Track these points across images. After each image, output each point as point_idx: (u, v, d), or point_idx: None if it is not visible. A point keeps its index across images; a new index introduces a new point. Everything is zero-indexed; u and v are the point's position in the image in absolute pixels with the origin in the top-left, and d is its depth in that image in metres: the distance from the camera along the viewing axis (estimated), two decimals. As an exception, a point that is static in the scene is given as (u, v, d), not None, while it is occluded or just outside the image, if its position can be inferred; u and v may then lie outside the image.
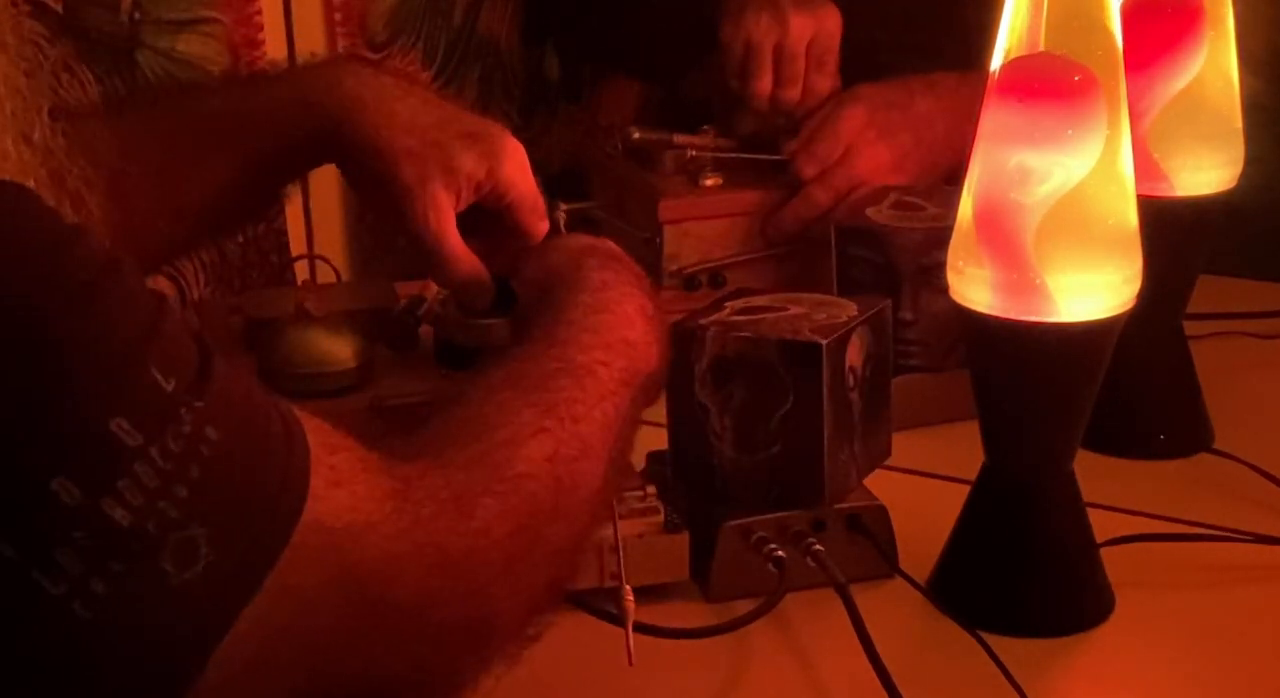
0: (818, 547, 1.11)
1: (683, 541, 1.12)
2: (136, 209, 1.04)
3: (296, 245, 1.49)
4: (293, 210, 1.47)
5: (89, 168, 0.78)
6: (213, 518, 0.68)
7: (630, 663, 1.00)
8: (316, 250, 1.44)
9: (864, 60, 1.55)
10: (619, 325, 0.95)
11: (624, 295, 0.97)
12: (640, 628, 1.03)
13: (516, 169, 1.08)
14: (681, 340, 1.14)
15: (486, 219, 1.09)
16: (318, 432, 0.75)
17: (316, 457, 0.73)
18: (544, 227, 1.10)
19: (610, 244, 1.06)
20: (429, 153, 1.06)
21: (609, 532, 1.10)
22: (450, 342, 1.13)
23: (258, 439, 0.72)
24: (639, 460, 1.20)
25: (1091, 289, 1.05)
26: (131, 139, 1.06)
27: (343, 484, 0.74)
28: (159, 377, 0.67)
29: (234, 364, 0.73)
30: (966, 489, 1.14)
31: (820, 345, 1.11)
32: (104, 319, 0.67)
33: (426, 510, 0.77)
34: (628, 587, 1.03)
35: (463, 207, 1.07)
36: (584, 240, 1.07)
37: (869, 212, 1.41)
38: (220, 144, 1.07)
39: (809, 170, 1.49)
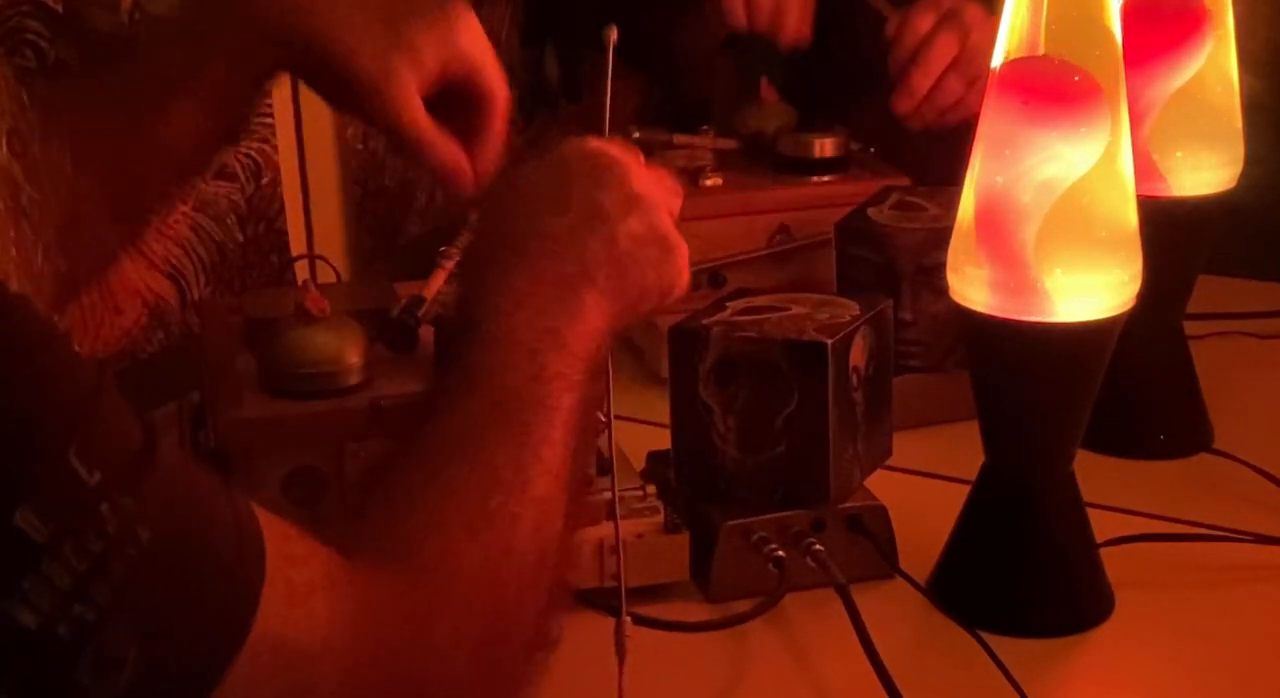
0: (818, 547, 1.11)
1: (683, 541, 1.13)
2: (112, 170, 1.00)
3: (296, 245, 1.49)
4: (293, 210, 1.47)
5: (19, 109, 0.73)
6: (141, 626, 0.62)
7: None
8: (316, 250, 1.44)
9: (879, 68, 1.58)
10: (537, 317, 0.87)
11: (538, 275, 0.89)
12: (639, 621, 1.03)
13: (472, 37, 1.04)
14: (685, 341, 1.14)
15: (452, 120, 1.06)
16: (280, 539, 0.69)
17: (274, 568, 0.67)
18: (505, 92, 1.06)
19: (551, 167, 0.95)
20: (384, 42, 1.02)
21: (597, 533, 1.10)
22: (450, 342, 1.13)
23: (201, 543, 0.65)
24: (639, 461, 1.20)
25: (1091, 289, 1.05)
26: (94, 102, 1.03)
27: (301, 603, 0.68)
28: (79, 467, 0.61)
29: (186, 453, 0.68)
30: (966, 489, 1.14)
31: (826, 345, 1.11)
32: (15, 401, 0.61)
33: (390, 635, 0.72)
34: (628, 618, 0.99)
35: (428, 88, 1.03)
36: (514, 193, 0.96)
37: (869, 212, 1.41)
38: (178, 90, 1.03)
39: (925, 22, 1.50)
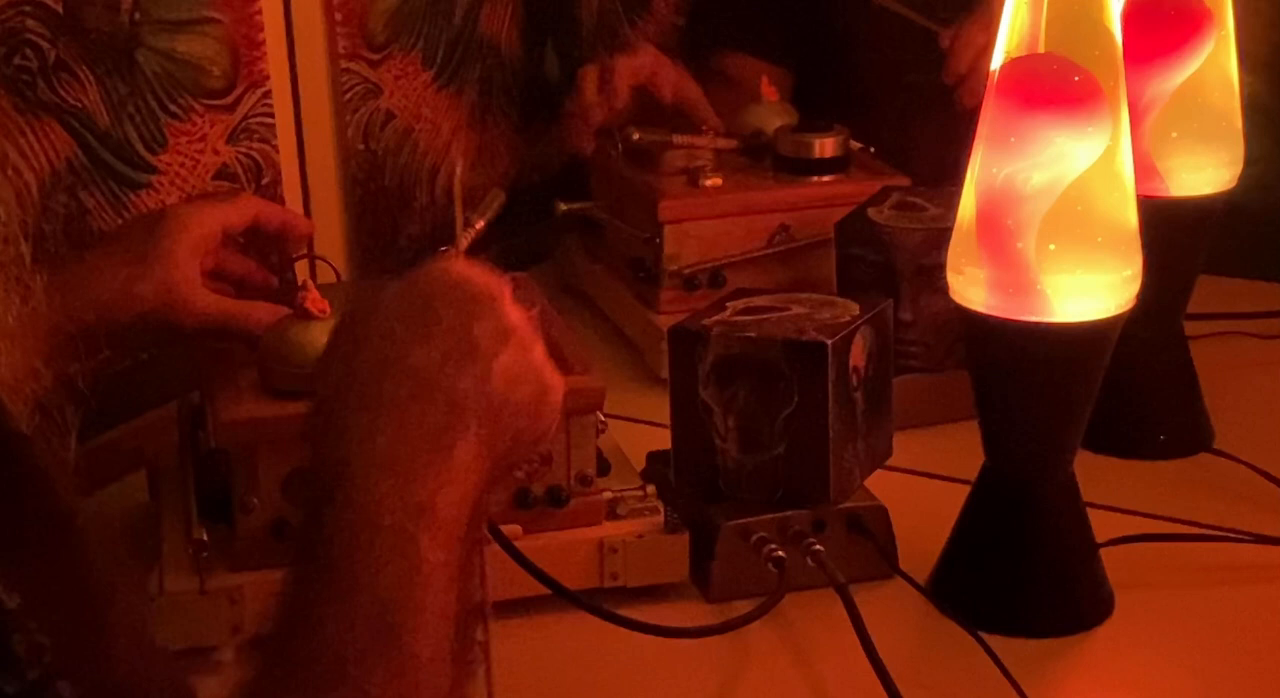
0: (818, 547, 1.11)
1: (683, 541, 1.13)
2: None
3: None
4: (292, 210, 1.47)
5: None
6: None
7: None
8: (316, 250, 1.44)
9: (892, 79, 1.63)
10: (406, 489, 0.76)
11: (403, 430, 0.78)
12: (640, 628, 1.03)
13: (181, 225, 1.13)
14: (685, 341, 1.14)
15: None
16: None
17: None
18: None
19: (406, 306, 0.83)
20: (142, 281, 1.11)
21: (597, 533, 1.11)
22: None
23: None
24: (639, 461, 1.20)
25: (1091, 290, 1.05)
26: None
27: None
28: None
29: (136, 607, 0.64)
30: (966, 489, 1.14)
31: (825, 345, 1.11)
32: None
33: None
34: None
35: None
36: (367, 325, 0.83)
37: (869, 212, 1.41)
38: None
39: (979, 37, 1.55)
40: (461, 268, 0.85)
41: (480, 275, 0.84)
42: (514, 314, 0.84)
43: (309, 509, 0.77)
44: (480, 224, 1.23)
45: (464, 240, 1.22)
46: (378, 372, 0.80)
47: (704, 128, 1.58)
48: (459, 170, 0.92)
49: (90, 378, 1.04)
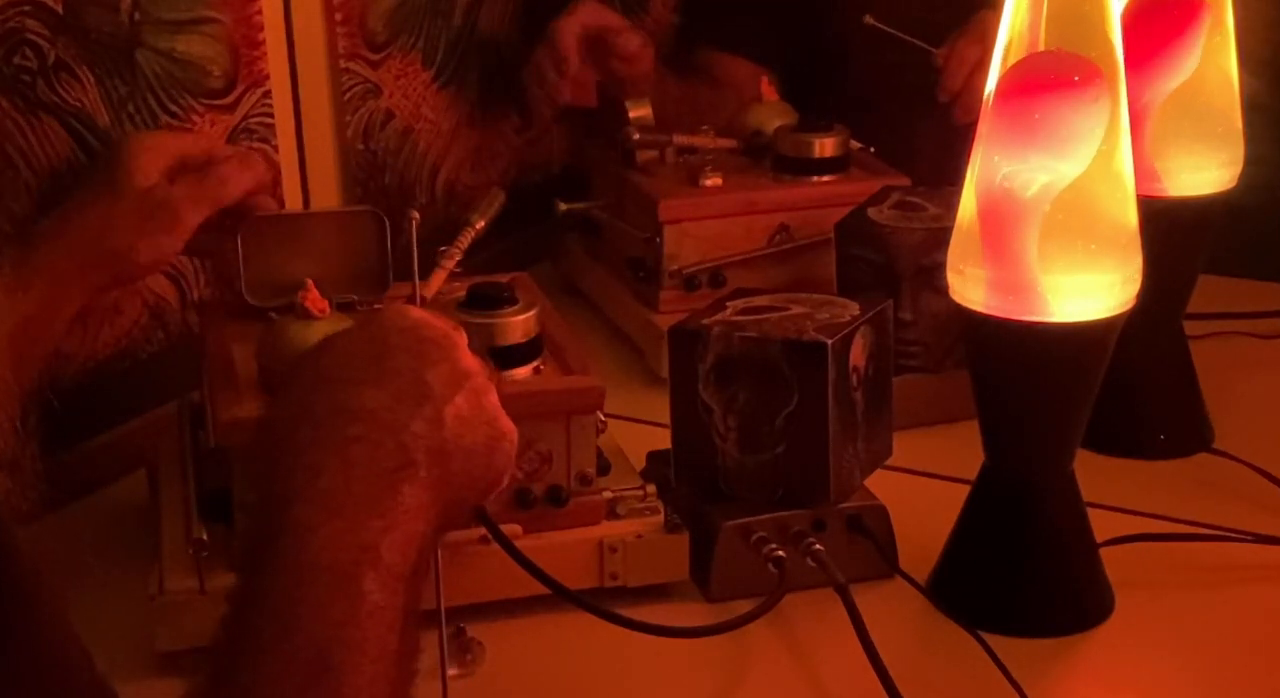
0: (818, 547, 1.11)
1: (683, 541, 1.13)
2: None
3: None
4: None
5: None
6: None
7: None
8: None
9: (892, 80, 1.63)
10: (350, 530, 0.75)
11: (350, 470, 0.77)
12: (640, 628, 1.03)
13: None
14: (685, 341, 1.14)
15: None
16: None
17: None
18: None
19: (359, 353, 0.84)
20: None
21: (597, 532, 1.11)
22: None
23: None
24: (639, 461, 1.20)
25: (1091, 289, 1.05)
26: None
27: None
28: None
29: (67, 649, 0.63)
30: (966, 489, 1.14)
31: (825, 345, 1.11)
32: None
33: None
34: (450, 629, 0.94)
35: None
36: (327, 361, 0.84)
37: (869, 212, 1.41)
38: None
39: (972, 53, 1.58)
40: (418, 313, 0.85)
41: (436, 321, 0.85)
42: (469, 361, 0.84)
43: (253, 544, 0.76)
44: (480, 224, 1.24)
45: (463, 240, 1.22)
46: (328, 411, 0.79)
47: (704, 127, 1.58)
48: (416, 216, 0.92)
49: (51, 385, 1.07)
